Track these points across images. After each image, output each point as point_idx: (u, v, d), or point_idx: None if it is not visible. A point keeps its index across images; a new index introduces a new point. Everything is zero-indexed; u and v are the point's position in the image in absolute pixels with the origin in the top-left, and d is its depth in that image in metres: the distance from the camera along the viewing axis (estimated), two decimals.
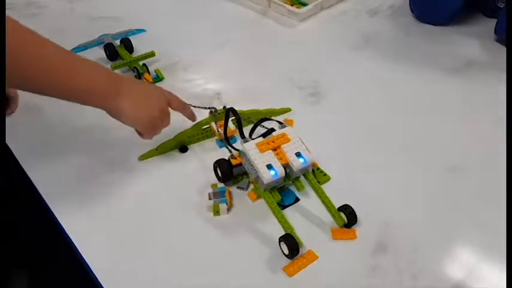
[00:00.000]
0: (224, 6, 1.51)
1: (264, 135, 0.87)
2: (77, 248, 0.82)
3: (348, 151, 0.99)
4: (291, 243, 0.78)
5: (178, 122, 0.99)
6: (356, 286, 0.76)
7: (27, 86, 0.80)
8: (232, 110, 0.93)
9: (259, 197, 0.89)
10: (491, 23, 1.31)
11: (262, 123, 0.92)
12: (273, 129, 0.88)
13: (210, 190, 0.89)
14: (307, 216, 0.86)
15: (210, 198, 0.89)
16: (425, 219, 0.86)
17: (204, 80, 1.19)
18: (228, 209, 0.88)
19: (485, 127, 1.04)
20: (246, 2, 1.51)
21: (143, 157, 0.98)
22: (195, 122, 1.00)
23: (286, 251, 0.78)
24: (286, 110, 1.08)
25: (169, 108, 0.94)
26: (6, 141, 0.99)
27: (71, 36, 1.33)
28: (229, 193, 0.90)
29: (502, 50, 1.27)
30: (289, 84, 1.18)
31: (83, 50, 1.26)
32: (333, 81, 1.18)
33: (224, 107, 0.99)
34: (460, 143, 1.01)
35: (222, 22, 1.44)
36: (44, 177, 0.93)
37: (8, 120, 1.05)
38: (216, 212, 0.88)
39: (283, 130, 0.87)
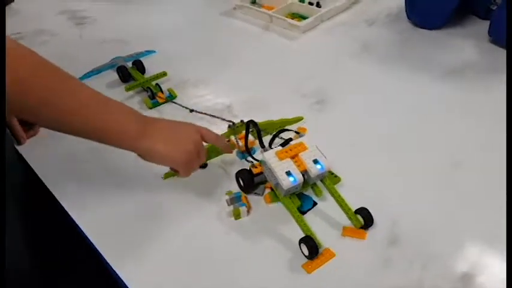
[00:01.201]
0: (228, 22, 1.54)
1: (282, 144, 0.89)
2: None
3: (355, 153, 1.00)
4: (311, 245, 0.80)
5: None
6: (371, 279, 0.78)
7: (56, 125, 0.79)
8: (252, 122, 0.94)
9: (273, 200, 0.91)
10: (485, 24, 1.32)
11: (280, 134, 0.94)
12: (290, 139, 0.90)
13: (227, 197, 0.91)
14: (325, 219, 0.87)
15: (228, 205, 0.90)
16: (431, 213, 0.87)
17: (214, 95, 1.20)
18: (248, 211, 0.90)
19: (485, 125, 1.06)
20: (249, 18, 1.54)
21: (166, 176, 0.96)
22: None
23: (307, 252, 0.80)
24: (299, 119, 1.09)
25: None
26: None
27: (83, 61, 1.35)
28: (245, 197, 0.92)
29: (497, 50, 1.28)
30: (295, 94, 1.19)
31: (96, 74, 1.27)
32: (336, 88, 1.20)
33: (241, 121, 1.02)
34: (461, 140, 1.02)
35: (226, 38, 1.46)
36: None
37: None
38: (237, 216, 0.89)
39: (301, 139, 0.89)
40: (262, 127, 0.98)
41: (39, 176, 1.00)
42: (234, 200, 0.92)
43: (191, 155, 0.86)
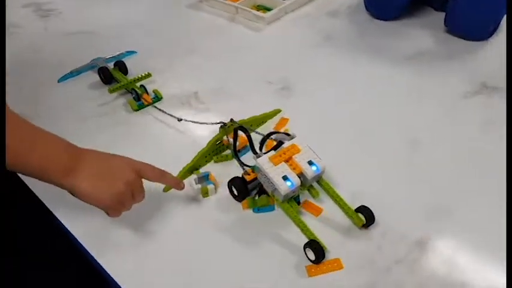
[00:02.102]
0: (194, 15, 1.56)
1: (274, 148, 0.87)
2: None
3: (318, 133, 1.03)
4: (317, 249, 0.79)
5: (190, 143, 1.02)
6: (333, 245, 0.82)
7: None
8: (240, 128, 0.94)
9: (250, 206, 0.90)
10: (441, 15, 1.37)
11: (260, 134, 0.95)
12: (282, 142, 0.88)
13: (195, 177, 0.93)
14: (324, 221, 0.87)
15: (196, 183, 0.92)
16: (390, 187, 0.93)
17: (180, 83, 1.23)
18: (215, 189, 0.92)
19: (439, 108, 1.12)
20: (215, 10, 1.55)
21: (166, 189, 0.93)
22: (208, 142, 0.97)
23: (313, 257, 0.79)
24: (277, 112, 1.11)
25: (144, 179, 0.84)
26: None
27: (48, 53, 1.35)
28: (213, 176, 0.94)
29: (452, 39, 1.34)
30: (260, 81, 1.23)
31: (75, 76, 1.25)
32: (300, 76, 1.24)
33: (231, 120, 0.98)
34: (418, 121, 1.08)
35: (193, 30, 1.48)
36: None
37: None
38: (205, 194, 0.91)
39: (293, 141, 0.87)
40: (247, 124, 0.99)
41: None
42: (202, 179, 0.92)
43: (121, 196, 0.80)
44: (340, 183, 0.92)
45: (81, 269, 0.92)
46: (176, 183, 0.88)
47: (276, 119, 1.10)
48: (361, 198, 0.89)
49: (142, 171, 0.83)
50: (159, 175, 0.86)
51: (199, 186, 0.92)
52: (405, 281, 0.78)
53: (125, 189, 0.79)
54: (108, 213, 0.81)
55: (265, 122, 1.09)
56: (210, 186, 0.92)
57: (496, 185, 0.91)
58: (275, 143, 0.90)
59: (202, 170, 0.97)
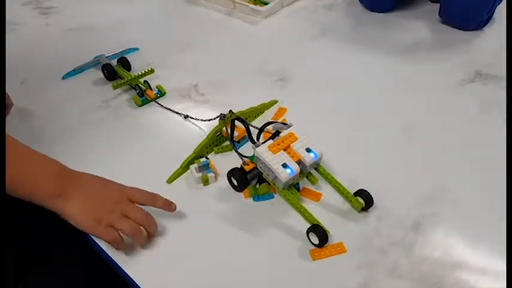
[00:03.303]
0: (192, 10, 1.58)
1: (272, 137, 0.88)
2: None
3: (316, 121, 1.06)
4: (320, 233, 0.80)
5: (193, 137, 1.03)
6: (332, 228, 0.84)
7: None
8: (238, 118, 0.94)
9: (251, 194, 0.91)
10: (435, 6, 1.39)
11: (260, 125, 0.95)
12: (279, 132, 0.89)
13: (196, 165, 0.94)
14: (325, 207, 0.89)
15: (197, 172, 0.93)
16: (385, 173, 0.95)
17: (180, 76, 1.25)
18: (216, 178, 0.94)
19: (434, 96, 1.14)
20: (213, 5, 1.57)
21: (170, 180, 0.95)
22: (209, 133, 0.99)
23: (316, 241, 0.80)
24: (274, 102, 1.13)
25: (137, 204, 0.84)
26: None
27: (50, 48, 1.38)
28: (213, 164, 0.96)
29: (447, 29, 1.36)
30: (258, 73, 1.25)
31: (79, 73, 1.26)
32: (297, 67, 1.26)
33: (230, 111, 1.00)
34: (412, 109, 1.11)
35: (191, 24, 1.50)
36: None
37: None
38: (206, 182, 0.93)
39: (290, 130, 0.88)
40: (245, 115, 1.01)
41: None
42: (203, 167, 0.94)
43: (110, 220, 0.80)
44: (337, 170, 0.94)
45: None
46: (167, 205, 0.87)
47: (274, 109, 1.12)
48: (358, 183, 0.91)
49: (133, 196, 0.84)
50: (151, 199, 0.86)
51: (200, 174, 0.93)
52: (400, 262, 0.80)
53: (116, 217, 0.80)
54: (104, 239, 0.82)
55: (262, 112, 1.11)
56: (210, 175, 0.93)
57: (490, 169, 0.94)
58: (272, 133, 0.91)
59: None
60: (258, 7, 1.50)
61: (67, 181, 0.79)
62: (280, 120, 1.07)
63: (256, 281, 0.79)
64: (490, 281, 0.77)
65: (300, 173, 0.86)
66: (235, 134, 0.98)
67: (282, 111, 1.11)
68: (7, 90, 1.10)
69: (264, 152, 0.85)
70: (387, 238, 0.84)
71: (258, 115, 1.10)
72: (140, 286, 0.79)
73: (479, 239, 0.83)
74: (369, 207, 0.87)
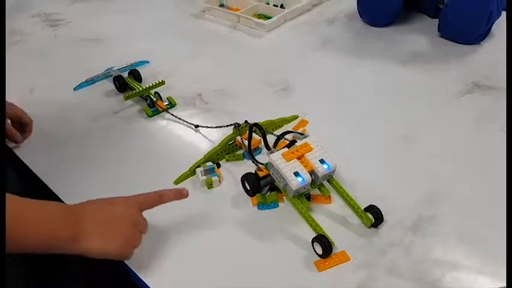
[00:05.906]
0: (197, 23, 1.62)
1: (288, 146, 0.89)
2: None
3: (316, 129, 1.07)
4: (325, 243, 0.79)
5: (205, 142, 1.07)
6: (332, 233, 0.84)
7: None
8: (255, 125, 0.95)
9: (260, 202, 0.91)
10: (435, 21, 1.43)
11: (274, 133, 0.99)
12: (295, 141, 0.91)
13: (201, 169, 0.96)
14: (334, 219, 0.89)
15: (202, 175, 0.95)
16: (385, 177, 0.98)
17: (185, 85, 1.28)
18: (220, 181, 0.96)
19: (431, 107, 1.17)
20: (218, 19, 1.60)
21: (177, 181, 0.97)
22: (221, 140, 1.00)
23: (320, 251, 0.80)
24: (295, 117, 1.13)
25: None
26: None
27: (57, 58, 1.41)
28: (218, 169, 0.98)
29: (446, 43, 1.40)
30: (261, 83, 1.28)
31: (90, 84, 1.28)
32: (299, 78, 1.29)
33: (246, 121, 1.01)
34: (411, 118, 1.13)
35: (196, 36, 1.53)
36: None
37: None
38: (210, 185, 0.94)
39: (306, 140, 0.89)
40: (262, 126, 0.99)
41: (45, 182, 0.99)
42: (208, 171, 0.96)
43: (132, 241, 0.79)
44: (336, 172, 0.93)
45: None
46: (177, 194, 0.85)
47: (294, 122, 1.14)
48: (357, 183, 0.94)
49: (142, 203, 0.82)
50: (157, 200, 0.84)
51: (205, 177, 0.95)
52: (400, 262, 0.82)
53: (133, 232, 0.79)
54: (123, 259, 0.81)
55: (281, 126, 1.11)
56: (215, 178, 0.95)
57: (488, 173, 0.98)
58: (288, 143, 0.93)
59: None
60: (261, 21, 1.53)
61: (75, 219, 0.75)
62: (299, 130, 1.08)
63: (257, 282, 0.81)
64: (488, 281, 0.79)
65: (311, 183, 0.87)
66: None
67: (303, 123, 1.13)
68: (17, 97, 1.11)
69: (277, 158, 0.86)
70: (387, 238, 0.86)
71: (275, 128, 1.10)
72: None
73: (477, 239, 0.85)
74: (378, 224, 0.87)
